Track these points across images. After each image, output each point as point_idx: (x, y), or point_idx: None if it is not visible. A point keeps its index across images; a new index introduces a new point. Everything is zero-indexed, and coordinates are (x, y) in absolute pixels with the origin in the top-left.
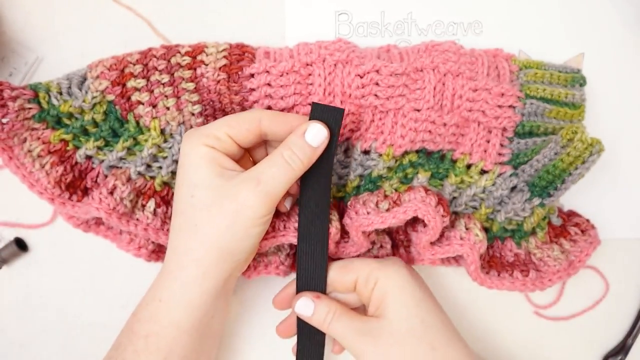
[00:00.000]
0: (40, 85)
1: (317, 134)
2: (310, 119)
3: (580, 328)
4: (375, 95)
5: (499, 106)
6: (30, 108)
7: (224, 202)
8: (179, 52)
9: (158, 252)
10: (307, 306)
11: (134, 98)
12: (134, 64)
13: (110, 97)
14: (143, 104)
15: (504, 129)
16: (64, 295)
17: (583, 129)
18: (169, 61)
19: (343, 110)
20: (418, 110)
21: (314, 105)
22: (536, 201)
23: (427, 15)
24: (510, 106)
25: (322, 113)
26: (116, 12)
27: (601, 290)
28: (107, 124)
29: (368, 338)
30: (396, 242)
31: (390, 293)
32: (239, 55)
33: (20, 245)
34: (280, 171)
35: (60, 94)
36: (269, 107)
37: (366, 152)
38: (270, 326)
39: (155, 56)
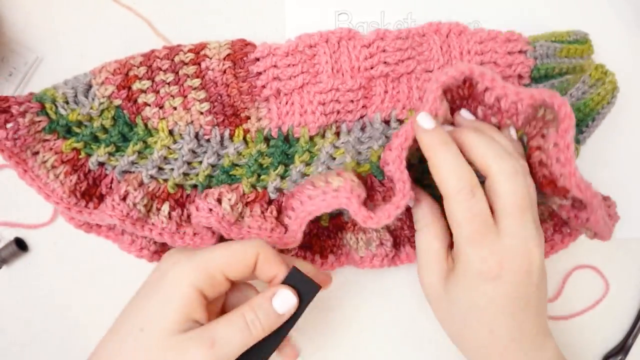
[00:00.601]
0: (45, 97)
1: (285, 302)
2: (284, 282)
3: (580, 328)
4: (385, 62)
5: (509, 53)
6: (39, 121)
7: (168, 354)
8: (182, 51)
9: (160, 252)
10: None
11: (140, 100)
12: (138, 67)
13: (117, 102)
14: (150, 105)
15: (520, 76)
16: (64, 295)
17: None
18: (172, 60)
19: (319, 287)
20: (430, 72)
21: (293, 270)
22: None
23: (427, 15)
24: (520, 51)
25: (298, 281)
26: (116, 12)
27: (601, 290)
28: (117, 129)
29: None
30: (401, 239)
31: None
32: (242, 45)
33: (20, 245)
34: (238, 336)
35: (67, 103)
36: (278, 91)
37: (386, 122)
38: None
39: (158, 57)
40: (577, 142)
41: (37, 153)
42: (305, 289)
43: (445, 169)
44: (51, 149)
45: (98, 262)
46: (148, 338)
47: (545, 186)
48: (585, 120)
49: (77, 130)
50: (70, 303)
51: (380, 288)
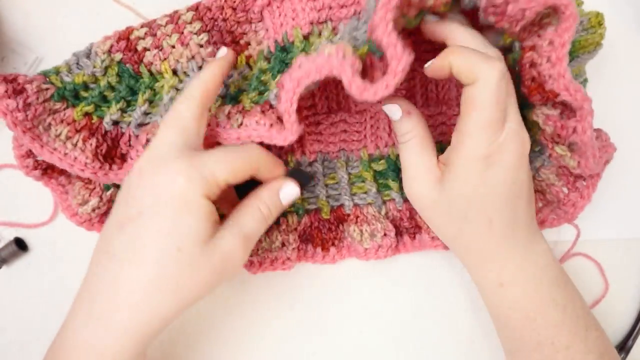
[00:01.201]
0: (48, 70)
1: (291, 194)
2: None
3: None
4: None
5: None
6: (47, 88)
7: (213, 259)
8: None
9: None
10: (395, 112)
11: (140, 47)
12: (139, 29)
13: (118, 56)
14: (149, 49)
15: None
16: (64, 295)
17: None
18: (171, 17)
19: (312, 176)
20: None
21: (291, 171)
22: None
23: None
24: None
25: (296, 175)
26: (116, 12)
27: (601, 290)
28: (124, 84)
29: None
30: (400, 230)
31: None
32: None
33: (20, 245)
34: (261, 226)
35: (70, 71)
36: (269, 1)
37: None
38: (272, 320)
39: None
40: None
41: (49, 127)
42: (302, 181)
43: (475, 51)
44: (62, 120)
45: None
46: (189, 254)
47: (533, 91)
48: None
49: (85, 94)
50: (70, 303)
51: (381, 287)
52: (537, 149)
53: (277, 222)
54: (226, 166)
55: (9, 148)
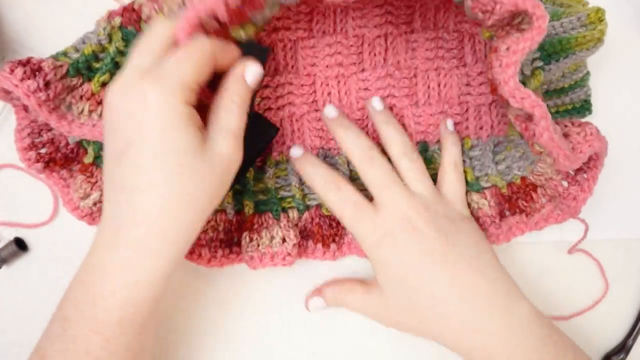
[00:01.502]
0: (56, 54)
1: (255, 74)
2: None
3: (580, 328)
4: None
5: None
6: (61, 65)
7: (212, 161)
8: None
9: None
10: (317, 303)
11: (136, 5)
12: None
13: (118, 20)
14: (144, 3)
15: None
16: None
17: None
18: None
19: (269, 49)
20: None
21: (242, 45)
22: (538, 63)
23: None
24: None
25: (251, 50)
26: None
27: (601, 290)
28: (131, 46)
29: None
30: None
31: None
32: None
33: (20, 245)
34: (241, 116)
35: (77, 50)
36: None
37: None
38: (271, 320)
39: None
40: (542, 70)
41: (70, 106)
42: (261, 56)
43: (312, 179)
44: (82, 97)
45: None
46: (190, 166)
47: (493, 92)
48: (559, 54)
49: (97, 64)
50: None
51: None
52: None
53: (277, 217)
54: (188, 65)
55: (9, 148)
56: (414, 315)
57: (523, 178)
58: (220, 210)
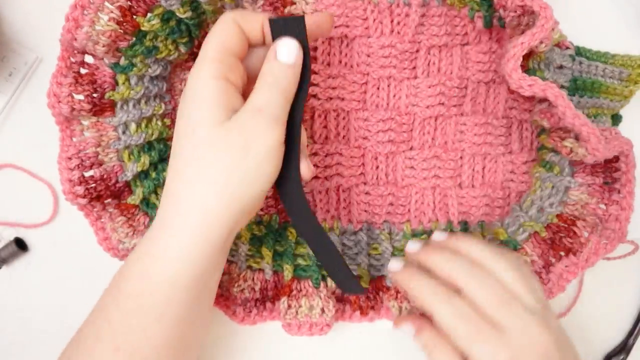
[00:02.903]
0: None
1: (289, 51)
2: (273, 38)
3: (580, 328)
4: None
5: None
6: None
7: (230, 135)
8: None
9: None
10: (408, 332)
11: None
12: None
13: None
14: None
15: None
16: (64, 295)
17: None
18: None
19: (303, 17)
20: None
21: (271, 21)
22: (563, 91)
23: None
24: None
25: (283, 28)
26: None
27: (601, 290)
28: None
29: None
30: None
31: None
32: None
33: (20, 245)
34: (273, 93)
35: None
36: None
37: None
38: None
39: None
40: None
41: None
42: (294, 29)
43: (420, 291)
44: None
45: (98, 262)
46: (204, 137)
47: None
48: (584, 92)
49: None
50: (70, 303)
51: None
52: (556, 172)
53: (317, 286)
54: (211, 38)
55: (9, 148)
56: None
57: (559, 215)
58: (258, 270)
